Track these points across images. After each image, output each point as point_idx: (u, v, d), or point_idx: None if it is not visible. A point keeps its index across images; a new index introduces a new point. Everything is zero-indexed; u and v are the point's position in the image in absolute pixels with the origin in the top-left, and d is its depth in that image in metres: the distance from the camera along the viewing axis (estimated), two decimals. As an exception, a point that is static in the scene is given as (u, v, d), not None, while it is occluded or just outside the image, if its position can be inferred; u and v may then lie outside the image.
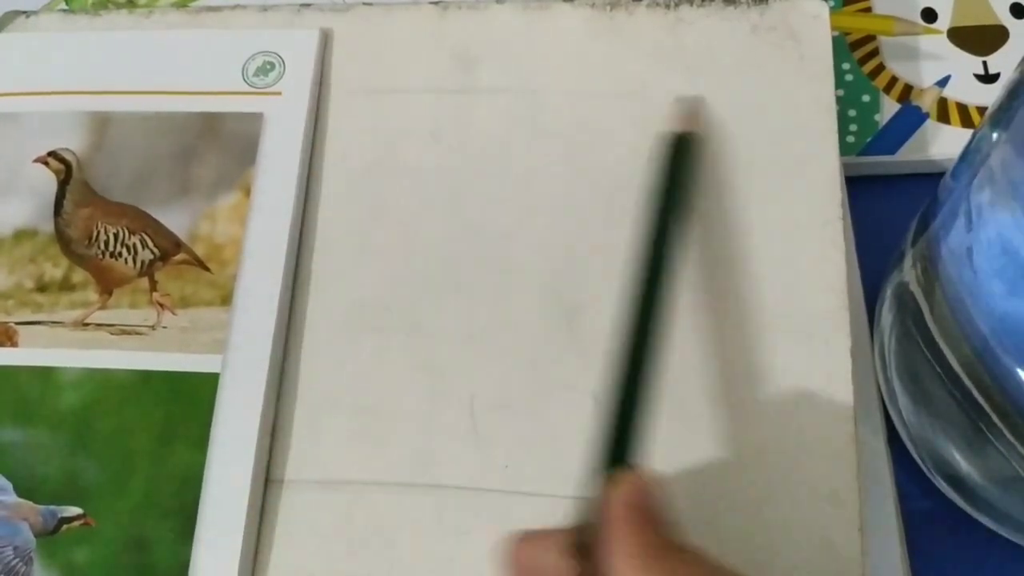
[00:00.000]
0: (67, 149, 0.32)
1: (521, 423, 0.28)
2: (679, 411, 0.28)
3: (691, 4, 0.32)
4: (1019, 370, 0.23)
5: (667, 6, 0.32)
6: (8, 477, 0.28)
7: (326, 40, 0.33)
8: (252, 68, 0.33)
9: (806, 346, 0.28)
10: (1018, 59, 0.25)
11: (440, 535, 0.27)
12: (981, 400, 0.25)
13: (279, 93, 0.32)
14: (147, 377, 0.29)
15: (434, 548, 0.27)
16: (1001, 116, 0.24)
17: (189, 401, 0.29)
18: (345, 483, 0.28)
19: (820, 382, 0.28)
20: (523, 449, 0.28)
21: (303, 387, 0.29)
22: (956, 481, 0.28)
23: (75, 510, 0.28)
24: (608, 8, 0.33)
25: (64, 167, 0.32)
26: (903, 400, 0.29)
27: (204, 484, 0.28)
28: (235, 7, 0.34)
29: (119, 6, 0.38)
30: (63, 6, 0.39)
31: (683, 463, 0.27)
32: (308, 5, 0.34)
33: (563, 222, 0.30)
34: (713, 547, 0.26)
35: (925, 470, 0.29)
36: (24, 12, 0.35)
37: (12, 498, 0.28)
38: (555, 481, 0.27)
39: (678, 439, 0.27)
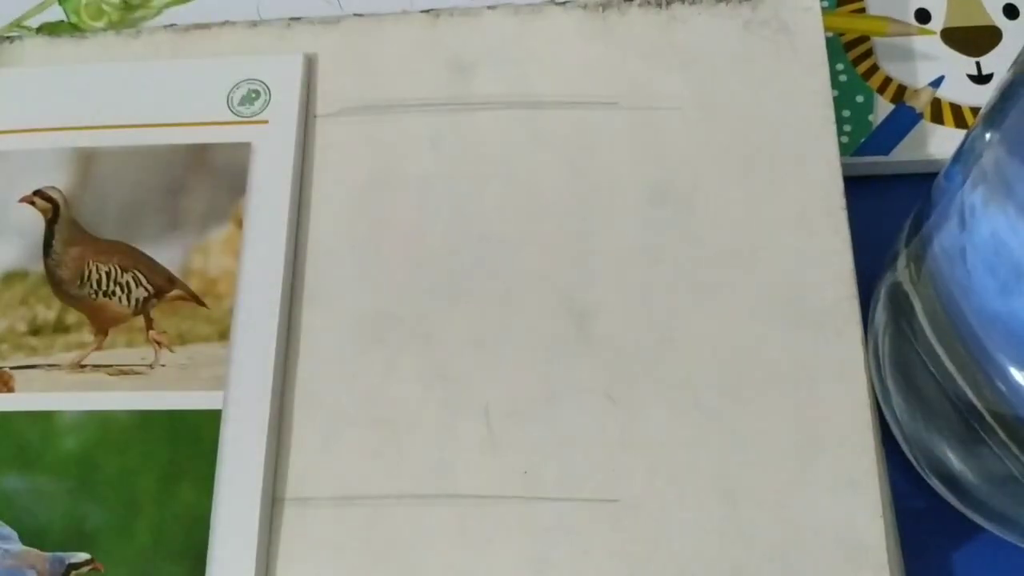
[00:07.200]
0: (53, 187, 0.31)
1: (538, 428, 0.28)
2: (694, 410, 0.28)
3: (683, 2, 0.32)
4: (1012, 369, 0.24)
5: (659, 5, 0.32)
6: (12, 525, 0.28)
7: (310, 65, 0.32)
8: (237, 97, 0.32)
9: (817, 337, 0.28)
10: (1011, 60, 0.24)
11: (462, 545, 0.27)
12: (974, 399, 0.25)
13: (265, 121, 0.31)
14: (148, 417, 0.29)
15: (457, 559, 0.27)
16: (994, 116, 0.24)
17: (192, 439, 0.28)
18: (362, 498, 0.28)
19: (834, 372, 0.28)
20: (541, 454, 0.28)
21: (314, 405, 0.29)
22: (950, 480, 0.28)
23: (83, 556, 0.28)
24: (600, 9, 0.33)
25: (51, 206, 0.31)
26: (897, 399, 0.29)
27: (212, 523, 0.27)
28: (224, 24, 0.34)
29: (114, 6, 0.37)
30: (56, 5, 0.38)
31: (701, 461, 0.28)
32: (298, 19, 0.33)
33: (568, 225, 0.30)
34: (737, 545, 0.27)
35: (919, 469, 0.29)
36: (8, 37, 0.34)
37: (17, 546, 0.28)
38: (575, 484, 0.28)
39: (694, 438, 0.28)
